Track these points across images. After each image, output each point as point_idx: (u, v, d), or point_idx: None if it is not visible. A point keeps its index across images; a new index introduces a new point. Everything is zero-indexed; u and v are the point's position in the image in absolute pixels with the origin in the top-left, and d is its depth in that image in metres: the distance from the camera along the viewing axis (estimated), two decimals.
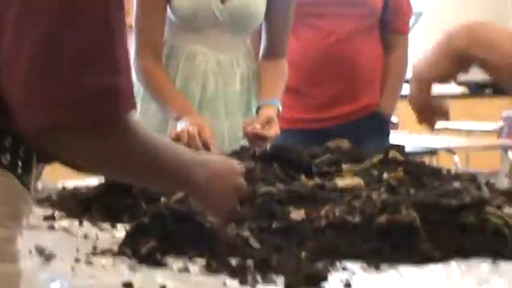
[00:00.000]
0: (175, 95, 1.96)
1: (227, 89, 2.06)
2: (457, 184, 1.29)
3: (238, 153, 1.55)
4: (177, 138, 1.74)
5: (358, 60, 2.45)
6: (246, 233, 1.11)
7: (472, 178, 1.36)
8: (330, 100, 2.46)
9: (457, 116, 5.93)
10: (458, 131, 5.62)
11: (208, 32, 2.04)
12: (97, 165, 0.88)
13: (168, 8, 2.03)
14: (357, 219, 1.09)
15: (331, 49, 2.42)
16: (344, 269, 0.98)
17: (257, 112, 1.96)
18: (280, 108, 1.98)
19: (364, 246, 1.05)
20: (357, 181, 1.29)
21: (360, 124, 2.42)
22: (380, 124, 2.51)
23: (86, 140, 0.81)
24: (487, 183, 1.31)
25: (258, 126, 1.82)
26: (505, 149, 4.23)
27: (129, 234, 1.11)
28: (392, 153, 1.42)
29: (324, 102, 2.47)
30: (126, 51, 0.83)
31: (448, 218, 1.11)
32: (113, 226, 1.27)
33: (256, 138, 1.76)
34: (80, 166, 0.91)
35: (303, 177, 1.37)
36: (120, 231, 1.21)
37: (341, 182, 1.29)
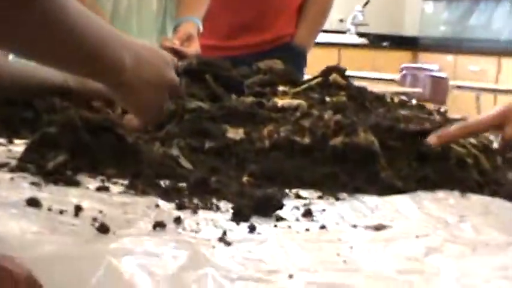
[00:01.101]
0: None
1: (142, 6, 1.84)
2: (406, 111, 1.17)
3: None
4: None
5: None
6: (176, 152, 0.93)
7: (421, 106, 1.23)
8: (240, 27, 2.27)
9: (358, 66, 5.91)
10: (360, 79, 5.59)
11: None
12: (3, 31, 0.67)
13: None
14: (307, 140, 0.93)
15: None
16: (298, 196, 0.83)
17: (175, 31, 1.76)
18: (201, 27, 1.79)
19: (316, 171, 0.90)
20: (298, 101, 1.13)
21: (271, 55, 2.22)
22: (293, 56, 2.31)
23: None
24: (439, 111, 1.19)
25: (176, 42, 1.62)
26: (410, 97, 4.20)
27: (31, 147, 0.90)
28: (333, 76, 1.27)
29: (233, 28, 2.28)
30: None
31: (407, 144, 0.97)
32: (10, 141, 1.06)
33: (174, 55, 1.56)
34: None
35: (233, 97, 1.20)
36: (19, 146, 1.01)
37: (281, 102, 1.12)
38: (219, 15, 2.23)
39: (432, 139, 0.93)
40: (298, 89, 1.24)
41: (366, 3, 6.95)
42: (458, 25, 7.11)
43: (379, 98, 1.26)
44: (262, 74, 1.33)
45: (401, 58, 6.68)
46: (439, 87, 4.42)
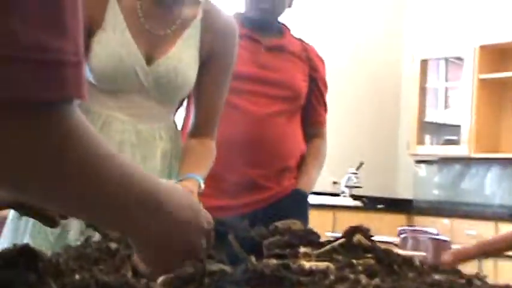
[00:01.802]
0: None
1: (146, 164, 1.80)
2: (441, 276, 1.08)
3: None
4: None
5: (280, 144, 2.28)
6: None
7: (455, 271, 1.15)
8: (245, 186, 2.26)
9: None
10: None
11: (128, 97, 1.79)
12: (8, 169, 0.60)
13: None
14: None
15: (252, 129, 2.23)
16: None
17: None
18: (202, 185, 1.74)
19: None
20: (326, 264, 1.05)
21: (278, 206, 2.22)
22: (299, 203, 2.33)
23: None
24: (477, 276, 1.10)
25: None
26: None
27: None
28: (357, 237, 1.20)
29: (239, 188, 2.27)
30: (78, 26, 0.57)
31: None
32: None
33: None
34: None
35: (252, 259, 1.12)
36: None
37: (308, 264, 1.04)
38: (223, 176, 2.21)
39: (446, 257, 0.85)
40: (321, 250, 1.17)
41: (360, 166, 7.00)
42: (452, 189, 7.15)
43: (407, 261, 1.18)
44: (280, 235, 1.25)
45: (396, 221, 6.64)
46: (442, 251, 4.34)
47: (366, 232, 1.22)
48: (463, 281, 1.05)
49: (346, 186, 7.04)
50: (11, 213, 1.77)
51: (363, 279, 0.90)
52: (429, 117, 7.12)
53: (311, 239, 1.26)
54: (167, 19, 1.79)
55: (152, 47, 1.78)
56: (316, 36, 5.84)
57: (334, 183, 6.98)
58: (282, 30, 2.51)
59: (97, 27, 1.75)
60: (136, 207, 0.73)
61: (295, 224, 1.31)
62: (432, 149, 7.15)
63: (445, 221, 6.55)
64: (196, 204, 0.88)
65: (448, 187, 7.19)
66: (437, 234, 4.73)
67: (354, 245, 1.19)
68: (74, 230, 1.72)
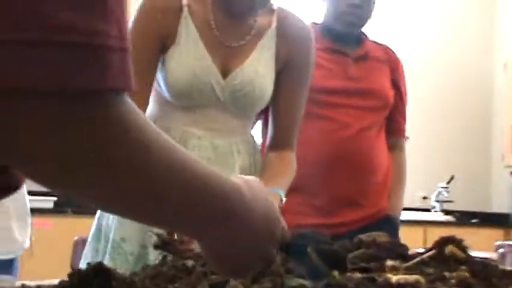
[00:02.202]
0: None
1: None
2: None
3: None
4: None
5: (373, 158, 2.19)
6: None
7: None
8: (341, 202, 2.17)
9: None
10: None
11: (204, 111, 1.75)
12: (47, 161, 0.54)
13: (161, 83, 1.75)
14: None
15: (346, 143, 2.15)
16: None
17: None
18: (284, 198, 1.67)
19: None
20: (415, 277, 0.96)
21: (373, 230, 2.12)
22: (392, 228, 2.22)
23: (46, 119, 0.49)
24: None
25: None
26: None
27: None
28: (449, 248, 1.10)
29: (334, 204, 2.18)
30: (123, 11, 0.52)
31: None
32: None
33: None
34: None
35: (336, 274, 1.04)
36: None
37: (395, 277, 0.95)
38: (317, 193, 2.14)
39: None
40: (410, 263, 1.08)
41: (450, 180, 6.77)
42: None
43: (508, 274, 1.08)
44: (365, 248, 1.17)
45: (492, 236, 6.37)
46: None
47: (459, 243, 1.13)
48: None
49: (437, 201, 6.82)
50: (91, 235, 1.75)
51: None
52: None
53: (399, 251, 1.17)
54: (241, 30, 1.74)
55: (227, 59, 1.73)
56: (400, 44, 5.69)
57: (424, 198, 6.77)
58: (362, 37, 2.44)
59: (171, 42, 1.71)
60: (204, 212, 0.67)
61: (381, 236, 1.23)
62: None
63: None
64: (272, 209, 0.82)
65: None
66: None
67: (446, 256, 1.10)
68: (154, 251, 1.68)
